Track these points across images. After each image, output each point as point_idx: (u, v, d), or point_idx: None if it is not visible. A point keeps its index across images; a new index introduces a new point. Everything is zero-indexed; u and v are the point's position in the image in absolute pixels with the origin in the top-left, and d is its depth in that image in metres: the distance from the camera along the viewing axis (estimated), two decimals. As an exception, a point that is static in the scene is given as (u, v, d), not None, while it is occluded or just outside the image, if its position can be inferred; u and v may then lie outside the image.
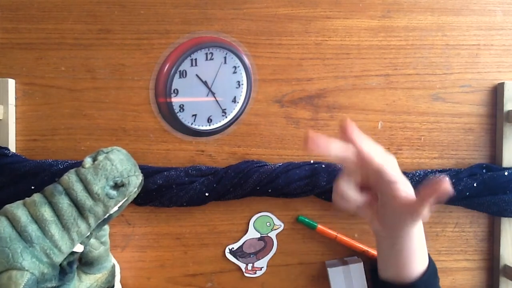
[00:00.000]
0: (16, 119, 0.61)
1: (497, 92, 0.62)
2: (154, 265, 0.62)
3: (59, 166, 0.57)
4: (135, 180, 0.45)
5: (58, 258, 0.41)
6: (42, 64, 0.61)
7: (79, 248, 0.44)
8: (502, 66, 0.63)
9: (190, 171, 0.59)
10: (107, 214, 0.44)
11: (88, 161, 0.44)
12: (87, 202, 0.42)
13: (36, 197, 0.42)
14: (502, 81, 0.61)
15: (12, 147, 0.60)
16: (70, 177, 0.43)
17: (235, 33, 0.62)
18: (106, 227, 0.53)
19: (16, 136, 0.61)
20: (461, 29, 0.63)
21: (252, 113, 0.62)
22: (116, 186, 0.44)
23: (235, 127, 0.62)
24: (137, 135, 0.62)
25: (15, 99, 0.61)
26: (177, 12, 0.61)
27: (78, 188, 0.42)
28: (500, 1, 0.63)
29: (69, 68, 0.61)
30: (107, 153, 0.44)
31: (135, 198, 0.59)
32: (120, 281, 0.60)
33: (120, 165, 0.44)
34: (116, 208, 0.45)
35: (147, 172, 0.59)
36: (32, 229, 0.40)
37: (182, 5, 0.62)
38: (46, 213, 0.41)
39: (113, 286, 0.56)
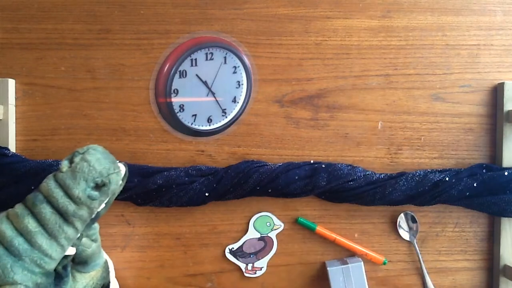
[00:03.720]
0: (16, 119, 0.61)
1: (497, 92, 0.62)
2: (154, 265, 0.62)
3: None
4: (116, 177, 0.44)
5: (51, 266, 0.41)
6: (42, 64, 0.61)
7: (71, 250, 0.44)
8: (502, 66, 0.63)
9: (190, 171, 0.59)
10: (94, 214, 0.44)
11: (65, 164, 0.42)
12: (70, 207, 0.41)
13: (18, 208, 0.41)
14: (502, 81, 0.61)
15: (12, 147, 0.60)
16: (49, 183, 0.41)
17: (235, 33, 0.62)
18: (96, 224, 0.52)
19: (16, 136, 0.61)
20: (461, 29, 0.63)
21: (252, 113, 0.62)
22: (97, 186, 0.43)
23: (235, 127, 0.62)
24: (137, 135, 0.62)
25: (15, 99, 0.61)
26: (177, 12, 0.61)
27: (58, 195, 0.41)
28: (500, 1, 0.63)
29: (69, 68, 0.61)
30: (82, 153, 0.43)
31: (135, 198, 0.59)
32: (118, 280, 0.60)
33: (98, 165, 0.42)
34: (103, 206, 0.44)
35: (147, 172, 0.59)
36: (19, 243, 0.39)
37: (182, 5, 0.62)
38: (30, 224, 0.40)
39: (109, 282, 0.56)
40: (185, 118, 0.61)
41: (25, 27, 0.61)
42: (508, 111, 0.60)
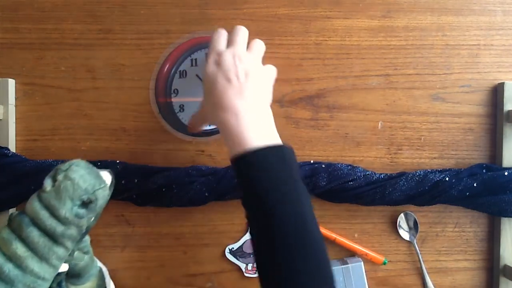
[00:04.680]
0: (16, 119, 0.61)
1: (497, 92, 0.62)
2: (154, 265, 0.62)
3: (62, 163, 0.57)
4: (103, 192, 0.43)
5: (45, 287, 0.40)
6: (42, 64, 0.61)
7: (64, 267, 0.43)
8: (502, 66, 0.63)
9: (190, 171, 0.59)
10: (83, 231, 0.42)
11: (48, 183, 0.41)
12: (58, 228, 0.39)
13: (4, 233, 0.39)
14: (502, 81, 0.61)
15: (12, 147, 0.60)
16: (34, 205, 0.40)
17: (235, 33, 0.62)
18: (86, 236, 0.50)
19: (16, 136, 0.61)
20: (461, 29, 0.63)
21: (252, 113, 0.62)
22: (84, 203, 0.41)
23: (235, 127, 0.62)
24: (137, 135, 0.62)
25: (15, 99, 0.61)
26: (177, 12, 0.61)
27: (44, 216, 0.39)
28: (500, 1, 0.63)
29: (69, 68, 0.61)
30: (65, 171, 0.41)
31: (135, 198, 0.59)
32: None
33: (82, 182, 0.41)
34: (92, 219, 0.43)
35: (147, 172, 0.59)
36: (9, 269, 0.38)
37: (182, 5, 0.62)
38: (19, 249, 0.38)
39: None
40: (185, 118, 0.61)
41: (25, 27, 0.61)
42: (508, 111, 0.60)
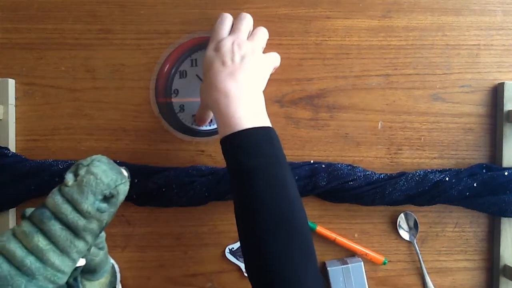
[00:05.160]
0: (16, 119, 0.61)
1: (497, 92, 0.62)
2: (154, 265, 0.62)
3: (59, 166, 0.57)
4: (124, 188, 0.43)
5: (64, 280, 0.40)
6: (42, 64, 0.61)
7: (81, 262, 0.43)
8: (502, 66, 0.63)
9: (190, 171, 0.59)
10: (104, 226, 0.43)
11: (70, 177, 0.41)
12: (80, 222, 0.40)
13: (25, 226, 0.40)
14: (502, 81, 0.61)
15: (12, 147, 0.60)
16: (56, 199, 0.40)
17: (235, 33, 0.62)
18: (103, 232, 0.51)
19: (16, 136, 0.61)
20: (461, 29, 0.63)
21: (252, 113, 0.62)
22: (106, 198, 0.42)
23: (235, 127, 0.62)
24: (137, 135, 0.62)
25: (15, 99, 0.61)
26: (177, 12, 0.61)
27: (67, 210, 0.40)
28: (500, 1, 0.63)
29: (69, 68, 0.61)
30: (87, 165, 0.42)
31: (135, 198, 0.59)
32: (120, 281, 0.60)
33: (105, 177, 0.41)
34: (112, 214, 0.44)
35: (147, 172, 0.59)
36: (31, 262, 0.38)
37: (182, 5, 0.62)
38: (40, 242, 0.39)
39: (115, 287, 0.56)
40: (185, 118, 0.61)
41: (25, 27, 0.61)
42: (508, 111, 0.60)
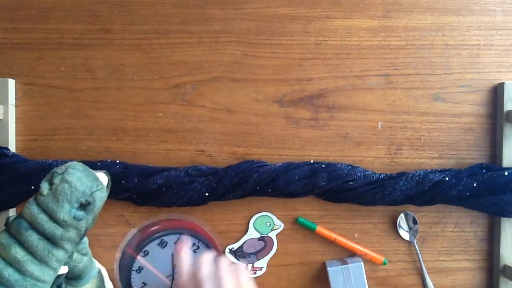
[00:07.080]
0: (16, 119, 0.61)
1: (497, 92, 0.62)
2: (154, 265, 0.62)
3: (59, 166, 0.57)
4: (100, 194, 0.42)
5: None
6: (42, 64, 0.61)
7: (64, 269, 0.42)
8: (502, 66, 0.63)
9: (190, 171, 0.59)
10: (82, 233, 0.42)
11: (45, 186, 0.40)
12: (57, 231, 0.39)
13: (3, 238, 0.39)
14: (502, 81, 0.61)
15: (12, 147, 0.60)
16: (32, 209, 0.39)
17: (235, 33, 0.62)
18: (85, 238, 0.49)
19: (16, 136, 0.61)
20: (461, 29, 0.63)
21: (252, 113, 0.62)
22: (82, 205, 0.41)
23: (235, 127, 0.62)
24: (137, 135, 0.62)
25: (15, 99, 0.61)
26: (177, 12, 0.62)
27: (43, 220, 0.39)
28: (500, 1, 0.63)
29: (69, 68, 0.61)
30: (62, 174, 0.41)
31: (135, 198, 0.59)
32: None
33: (80, 185, 0.40)
34: (90, 221, 0.43)
35: (147, 172, 0.59)
36: (9, 274, 0.38)
37: (182, 5, 0.62)
38: (18, 253, 0.38)
39: None
40: (136, 281, 0.56)
41: (25, 27, 0.61)
42: (508, 111, 0.60)
